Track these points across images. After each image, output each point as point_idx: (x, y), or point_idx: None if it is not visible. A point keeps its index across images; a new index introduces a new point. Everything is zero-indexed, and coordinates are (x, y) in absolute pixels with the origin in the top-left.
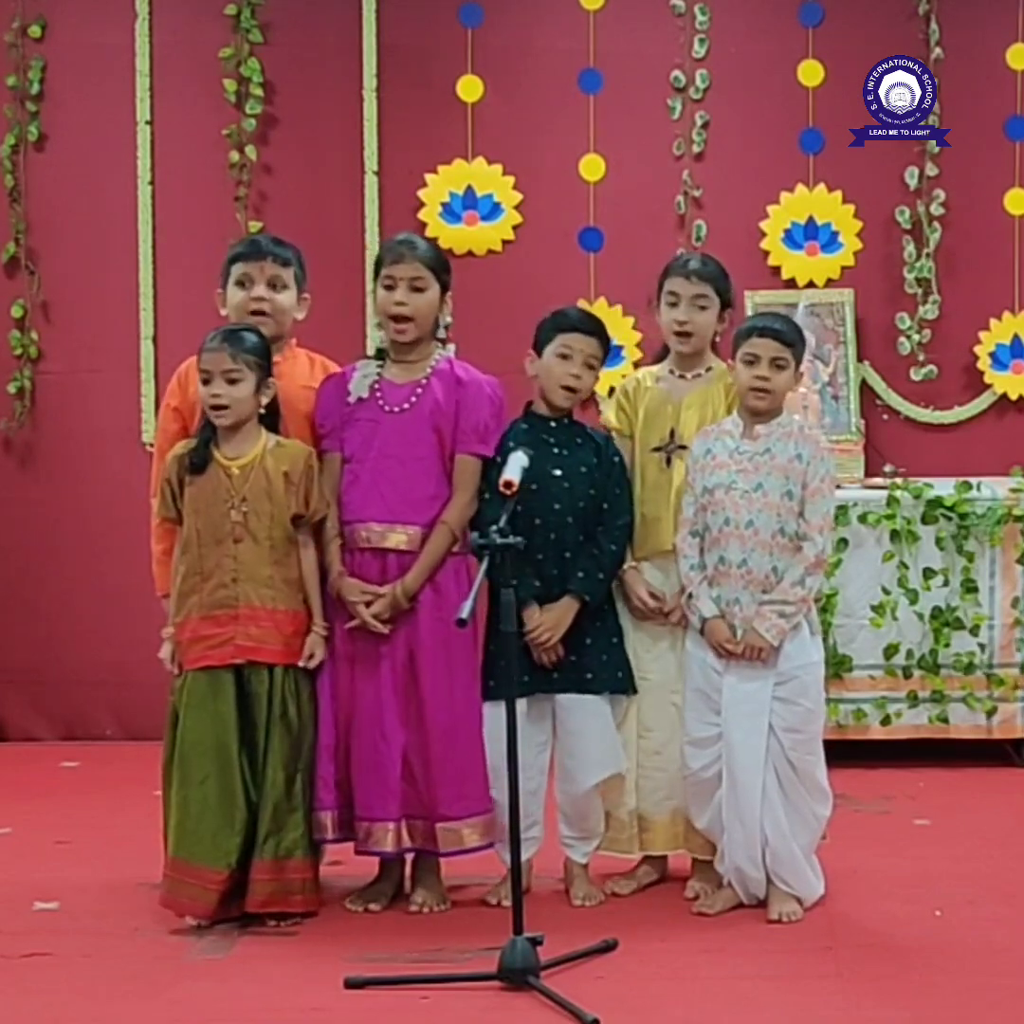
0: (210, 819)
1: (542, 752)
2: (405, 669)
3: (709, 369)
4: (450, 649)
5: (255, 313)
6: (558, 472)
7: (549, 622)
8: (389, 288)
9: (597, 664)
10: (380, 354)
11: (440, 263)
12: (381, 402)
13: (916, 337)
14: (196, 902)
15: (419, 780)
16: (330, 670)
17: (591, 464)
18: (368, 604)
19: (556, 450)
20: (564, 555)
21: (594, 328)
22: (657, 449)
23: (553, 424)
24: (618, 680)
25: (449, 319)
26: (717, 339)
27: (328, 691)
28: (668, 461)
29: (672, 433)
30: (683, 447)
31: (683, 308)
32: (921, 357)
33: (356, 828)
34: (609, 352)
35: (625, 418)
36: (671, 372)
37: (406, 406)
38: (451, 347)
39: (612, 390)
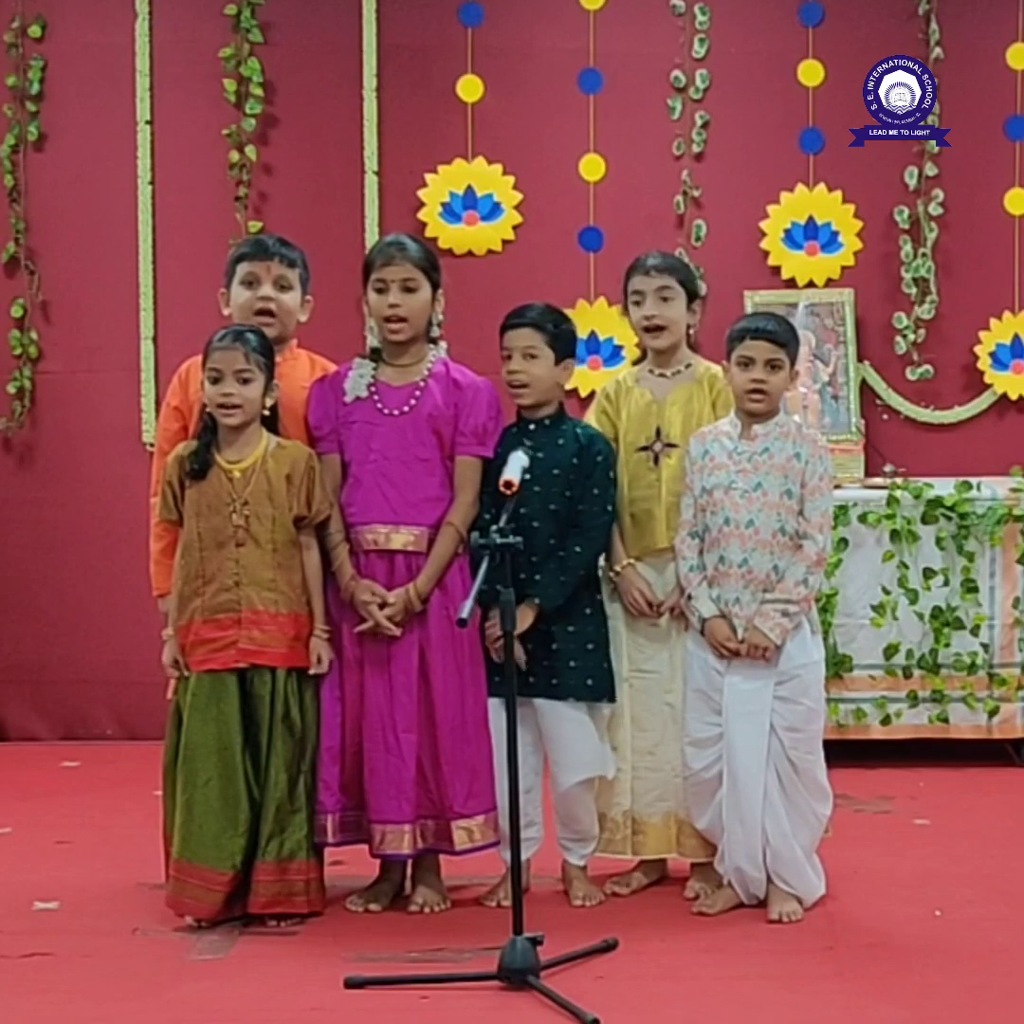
0: (214, 821)
1: (533, 752)
2: (416, 670)
3: (689, 366)
4: (459, 647)
5: (261, 312)
6: (527, 477)
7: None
8: (381, 291)
9: (565, 670)
10: (375, 354)
11: (430, 262)
12: (379, 405)
13: (911, 336)
14: (200, 903)
15: (430, 780)
16: (339, 674)
17: (567, 466)
18: (381, 606)
19: (531, 453)
20: (532, 559)
21: (522, 320)
22: (644, 449)
23: (532, 426)
24: (588, 687)
25: (441, 317)
26: (691, 332)
27: (335, 694)
28: (656, 460)
29: (658, 432)
30: (671, 445)
31: (649, 303)
32: (915, 357)
33: (370, 832)
34: (555, 335)
35: (607, 421)
36: (651, 372)
37: (405, 408)
38: (443, 345)
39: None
